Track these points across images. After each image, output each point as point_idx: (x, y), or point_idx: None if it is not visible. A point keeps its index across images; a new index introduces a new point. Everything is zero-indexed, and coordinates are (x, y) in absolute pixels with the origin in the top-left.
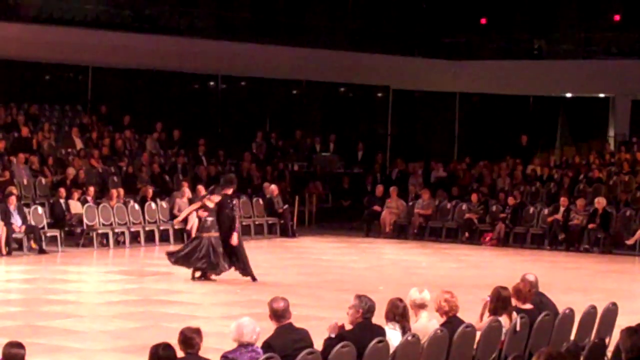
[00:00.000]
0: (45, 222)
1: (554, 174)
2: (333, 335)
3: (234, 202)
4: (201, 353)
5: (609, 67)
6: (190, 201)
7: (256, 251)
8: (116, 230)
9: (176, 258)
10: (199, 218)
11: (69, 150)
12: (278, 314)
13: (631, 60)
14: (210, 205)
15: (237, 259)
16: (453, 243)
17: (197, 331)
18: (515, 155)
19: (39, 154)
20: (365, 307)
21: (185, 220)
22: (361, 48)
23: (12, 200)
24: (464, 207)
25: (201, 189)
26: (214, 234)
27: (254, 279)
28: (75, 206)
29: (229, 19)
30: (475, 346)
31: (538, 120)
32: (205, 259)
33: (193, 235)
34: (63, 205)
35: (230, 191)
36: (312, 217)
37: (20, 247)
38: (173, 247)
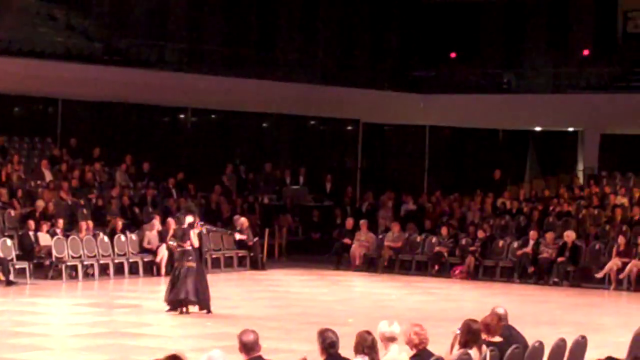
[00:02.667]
0: (13, 254)
1: (523, 207)
2: None
3: (196, 229)
4: None
5: (578, 101)
6: (160, 234)
7: (226, 284)
8: (85, 263)
9: (171, 302)
10: (171, 250)
11: (38, 182)
12: (248, 347)
13: (600, 95)
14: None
15: (200, 291)
16: (423, 276)
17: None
18: (486, 189)
19: (8, 186)
20: (326, 342)
21: (155, 253)
22: (331, 81)
23: None
24: (434, 240)
25: (171, 221)
26: (190, 263)
27: (208, 311)
28: (44, 238)
29: (199, 52)
30: None
31: (508, 154)
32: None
33: (162, 268)
34: (32, 238)
35: (191, 219)
36: (282, 250)
37: None
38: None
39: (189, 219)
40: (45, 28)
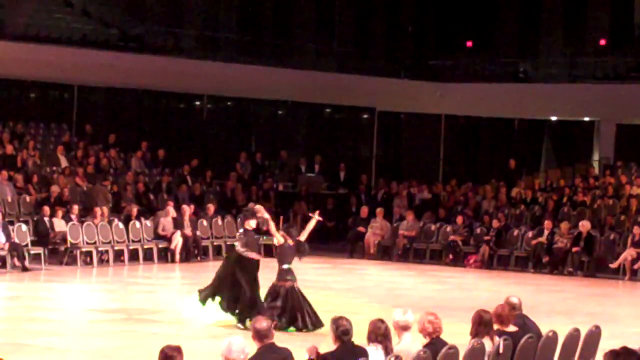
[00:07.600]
0: (29, 239)
1: (538, 197)
2: (313, 357)
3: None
4: None
5: (594, 91)
6: (175, 220)
7: None
8: (100, 249)
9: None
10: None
11: (54, 168)
12: (261, 334)
13: (616, 85)
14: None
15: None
16: (437, 265)
17: (178, 349)
18: (500, 178)
19: (24, 171)
20: (339, 330)
21: (169, 239)
22: (347, 69)
23: None
24: (449, 229)
25: (185, 208)
26: (289, 283)
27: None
28: (59, 224)
29: (215, 39)
30: None
31: (523, 143)
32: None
33: (177, 254)
34: (47, 223)
35: (253, 223)
36: None
37: (3, 265)
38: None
39: (252, 223)
40: (61, 14)
